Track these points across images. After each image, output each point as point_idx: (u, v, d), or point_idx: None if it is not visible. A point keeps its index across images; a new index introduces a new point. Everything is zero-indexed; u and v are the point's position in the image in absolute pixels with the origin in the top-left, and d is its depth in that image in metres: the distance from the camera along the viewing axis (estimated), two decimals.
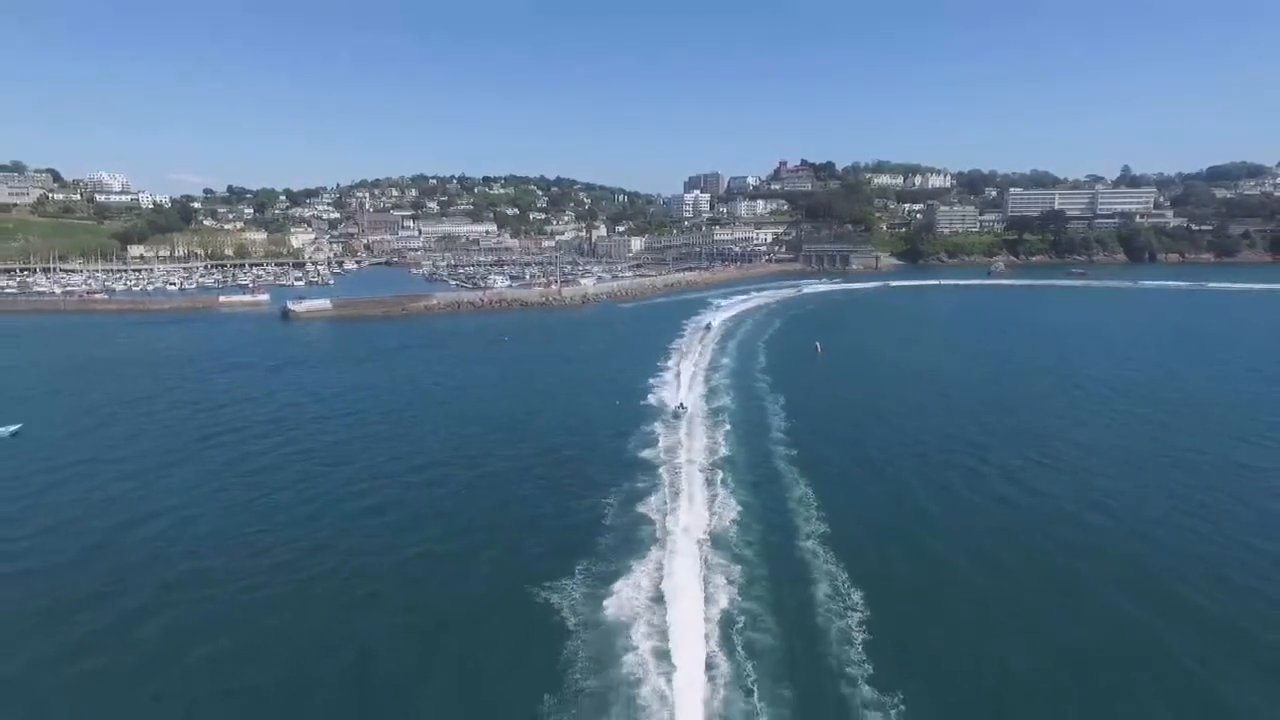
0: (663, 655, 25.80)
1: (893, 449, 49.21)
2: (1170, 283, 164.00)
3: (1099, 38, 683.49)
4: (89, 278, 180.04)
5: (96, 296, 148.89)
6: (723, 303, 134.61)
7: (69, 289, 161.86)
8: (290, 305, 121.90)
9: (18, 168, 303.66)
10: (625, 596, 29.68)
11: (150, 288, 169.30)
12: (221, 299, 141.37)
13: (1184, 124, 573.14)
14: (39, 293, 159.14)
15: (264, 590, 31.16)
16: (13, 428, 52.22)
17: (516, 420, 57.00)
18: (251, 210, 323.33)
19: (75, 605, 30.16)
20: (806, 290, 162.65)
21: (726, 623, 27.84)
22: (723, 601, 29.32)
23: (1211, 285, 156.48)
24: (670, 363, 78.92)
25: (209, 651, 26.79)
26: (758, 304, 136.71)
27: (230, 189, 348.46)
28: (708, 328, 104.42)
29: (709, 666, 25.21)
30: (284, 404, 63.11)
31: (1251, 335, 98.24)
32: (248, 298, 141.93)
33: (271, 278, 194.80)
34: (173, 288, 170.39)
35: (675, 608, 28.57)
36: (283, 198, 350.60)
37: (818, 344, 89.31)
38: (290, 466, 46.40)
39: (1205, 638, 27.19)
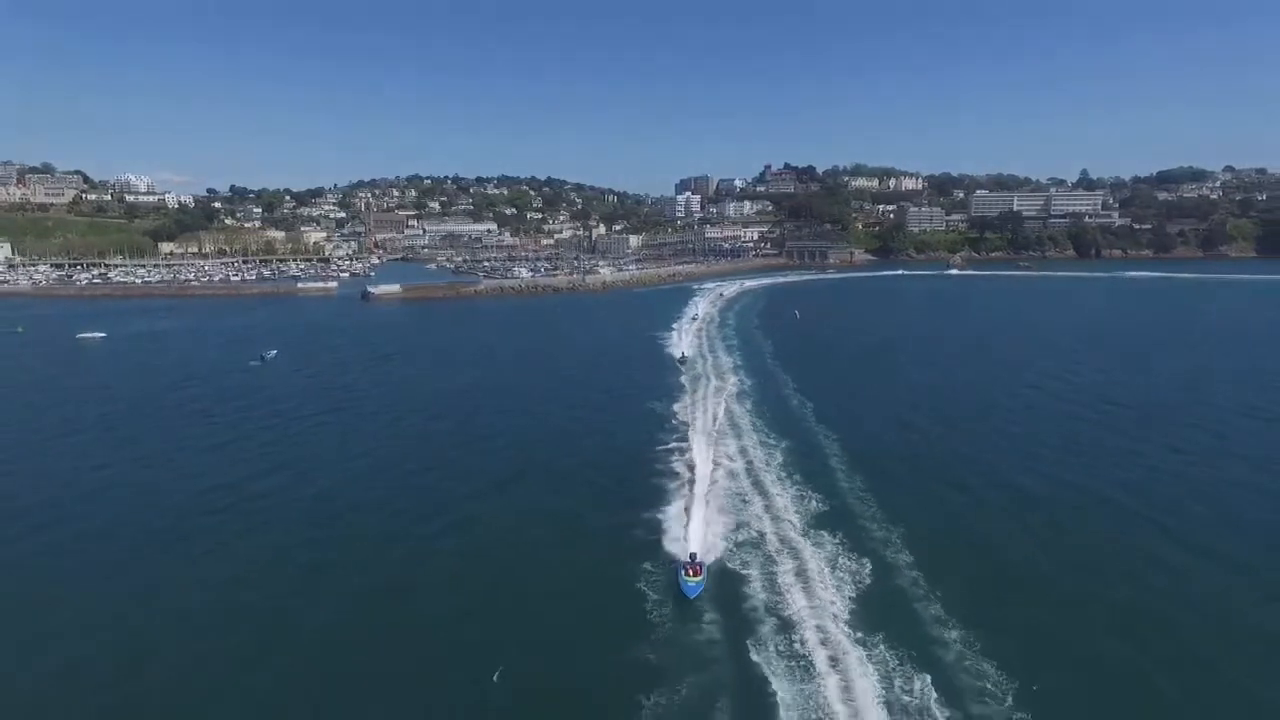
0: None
1: (837, 357, 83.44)
2: (1096, 274, 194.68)
3: (1081, 41, 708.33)
4: (152, 270, 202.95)
5: (192, 284, 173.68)
6: (720, 287, 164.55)
7: (147, 280, 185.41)
8: (369, 289, 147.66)
9: (48, 169, 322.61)
10: (673, 420, 56.81)
11: (216, 278, 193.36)
12: (299, 285, 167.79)
13: (1146, 130, 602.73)
14: (120, 282, 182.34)
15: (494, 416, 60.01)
16: (272, 352, 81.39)
17: (598, 340, 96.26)
18: (260, 210, 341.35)
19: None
20: (789, 279, 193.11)
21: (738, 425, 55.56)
22: (741, 416, 56.96)
23: (1129, 274, 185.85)
24: (685, 322, 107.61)
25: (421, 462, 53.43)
26: (749, 287, 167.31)
27: (233, 189, 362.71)
28: (712, 302, 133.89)
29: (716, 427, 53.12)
30: (451, 347, 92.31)
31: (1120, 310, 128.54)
32: (320, 284, 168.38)
33: (314, 270, 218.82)
34: (235, 278, 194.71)
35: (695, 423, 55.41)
36: (288, 198, 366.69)
37: (796, 311, 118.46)
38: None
39: None
